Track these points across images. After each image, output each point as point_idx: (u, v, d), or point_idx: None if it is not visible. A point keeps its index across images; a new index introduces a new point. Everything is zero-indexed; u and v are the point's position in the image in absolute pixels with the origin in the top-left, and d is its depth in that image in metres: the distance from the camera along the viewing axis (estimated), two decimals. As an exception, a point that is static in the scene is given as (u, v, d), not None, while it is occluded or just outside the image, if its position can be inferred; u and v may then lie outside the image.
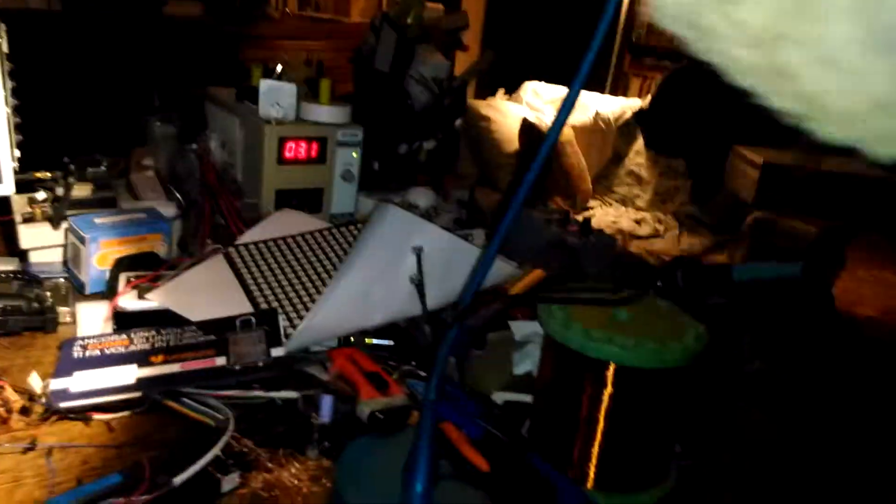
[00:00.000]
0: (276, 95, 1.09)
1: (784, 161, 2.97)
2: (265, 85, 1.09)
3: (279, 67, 1.16)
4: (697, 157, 3.31)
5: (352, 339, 0.88)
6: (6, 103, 0.89)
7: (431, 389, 0.62)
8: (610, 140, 3.41)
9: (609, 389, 0.68)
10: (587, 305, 0.74)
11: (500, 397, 0.82)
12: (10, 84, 0.89)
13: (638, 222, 3.14)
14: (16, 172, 0.92)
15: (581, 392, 0.69)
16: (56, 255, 0.98)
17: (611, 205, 3.31)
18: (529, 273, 0.92)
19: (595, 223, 3.00)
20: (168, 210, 1.04)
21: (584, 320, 0.68)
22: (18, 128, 0.91)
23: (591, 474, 0.69)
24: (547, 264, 0.94)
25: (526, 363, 0.84)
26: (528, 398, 0.79)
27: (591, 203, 3.25)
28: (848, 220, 2.73)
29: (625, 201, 3.34)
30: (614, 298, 0.70)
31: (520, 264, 0.95)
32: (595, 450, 0.69)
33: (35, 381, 0.72)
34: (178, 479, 0.60)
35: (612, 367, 0.66)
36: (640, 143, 3.39)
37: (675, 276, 0.95)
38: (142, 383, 0.73)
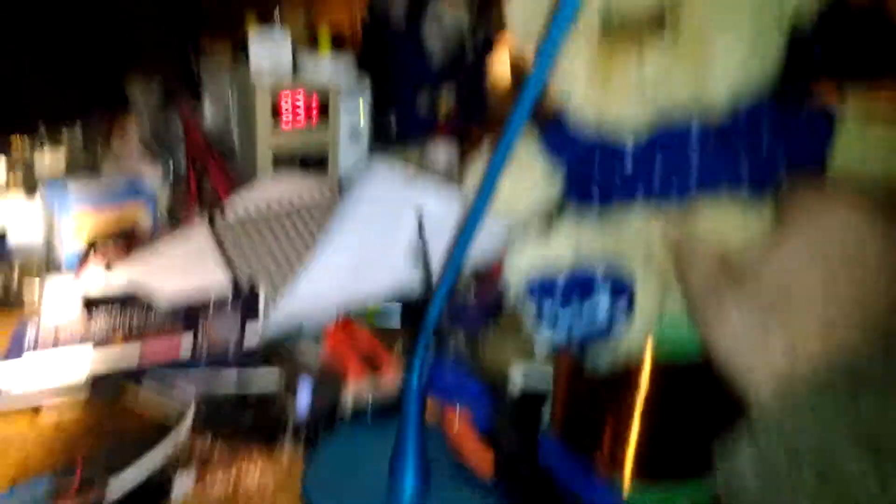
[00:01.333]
0: (269, 47, 0.98)
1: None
2: (257, 36, 0.98)
3: (276, 15, 1.05)
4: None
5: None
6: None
7: (413, 375, 0.51)
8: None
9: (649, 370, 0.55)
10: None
11: (519, 376, 0.70)
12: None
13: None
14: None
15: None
16: (36, 227, 0.90)
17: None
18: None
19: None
20: (154, 177, 0.95)
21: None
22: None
23: (627, 464, 0.57)
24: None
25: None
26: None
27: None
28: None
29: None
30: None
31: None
32: (632, 435, 0.56)
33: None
34: (116, 484, 0.51)
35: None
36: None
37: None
38: (98, 368, 0.64)
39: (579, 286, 0.47)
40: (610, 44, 0.45)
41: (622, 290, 0.47)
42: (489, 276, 0.82)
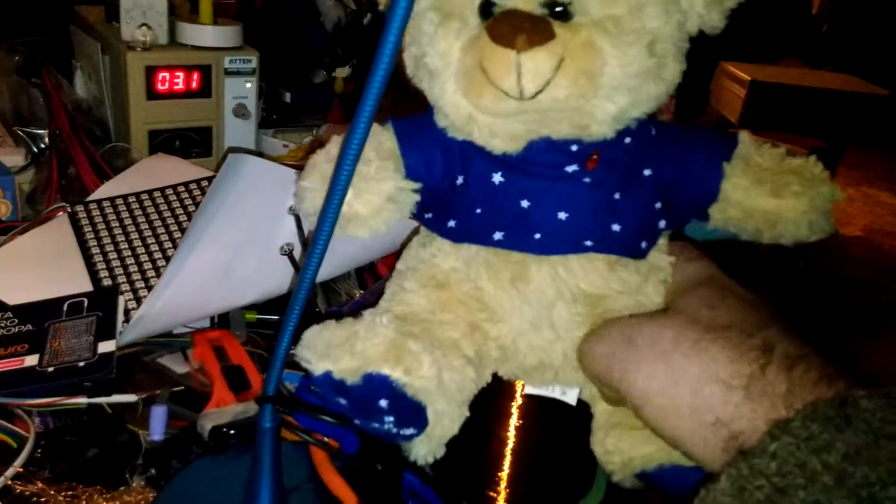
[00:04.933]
0: (143, 13, 0.89)
1: (771, 78, 2.76)
2: (128, 0, 0.88)
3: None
4: (683, 74, 3.09)
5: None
6: None
7: (266, 413, 0.47)
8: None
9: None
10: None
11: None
12: None
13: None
14: None
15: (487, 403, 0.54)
16: None
17: (587, 127, 3.11)
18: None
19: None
20: (14, 159, 0.86)
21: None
22: None
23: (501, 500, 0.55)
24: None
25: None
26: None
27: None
28: (836, 139, 2.56)
29: (602, 123, 3.13)
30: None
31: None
32: (505, 470, 0.54)
33: None
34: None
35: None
36: (619, 60, 3.16)
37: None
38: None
39: (364, 406, 0.42)
40: (492, 31, 0.38)
41: (409, 421, 0.42)
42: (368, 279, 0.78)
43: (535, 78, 0.37)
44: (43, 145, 0.88)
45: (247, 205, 0.66)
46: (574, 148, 0.42)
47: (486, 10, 0.41)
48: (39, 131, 0.88)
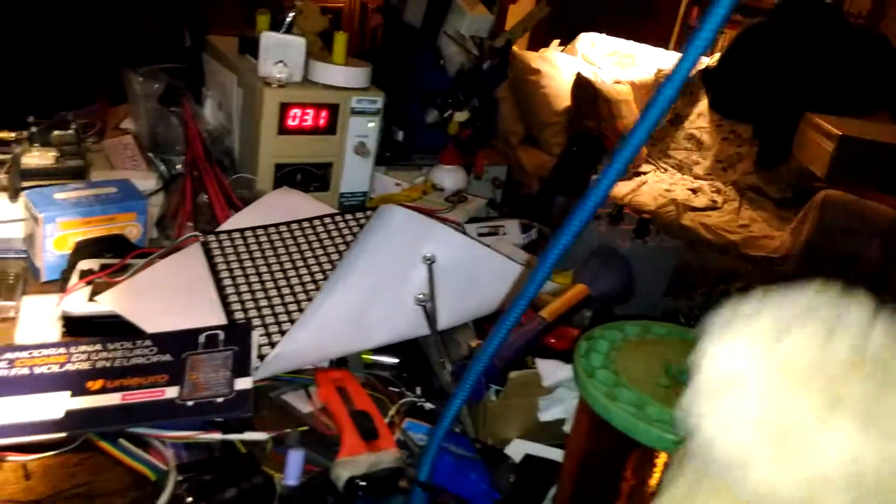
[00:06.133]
0: (281, 51, 0.91)
1: (863, 134, 2.68)
2: (267, 38, 0.91)
3: (290, 16, 0.98)
4: (765, 122, 3.02)
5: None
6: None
7: (418, 498, 0.46)
8: (670, 100, 3.14)
9: (657, 479, 0.51)
10: (639, 351, 0.56)
11: (519, 448, 0.66)
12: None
13: (694, 191, 2.89)
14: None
15: (620, 477, 0.52)
16: (18, 232, 0.85)
17: (665, 170, 3.06)
18: (571, 289, 0.75)
19: (647, 190, 2.77)
20: (147, 183, 0.89)
21: (637, 383, 0.51)
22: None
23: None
24: (592, 278, 0.76)
25: (555, 409, 0.67)
26: (556, 454, 0.63)
27: (644, 167, 3.01)
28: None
29: (681, 167, 3.08)
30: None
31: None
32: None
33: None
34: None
35: (663, 457, 0.49)
36: (703, 105, 3.11)
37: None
38: (72, 418, 0.59)
39: None
40: None
41: None
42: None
43: None
44: (174, 172, 0.91)
45: (389, 251, 0.67)
46: None
47: None
48: (173, 158, 0.91)
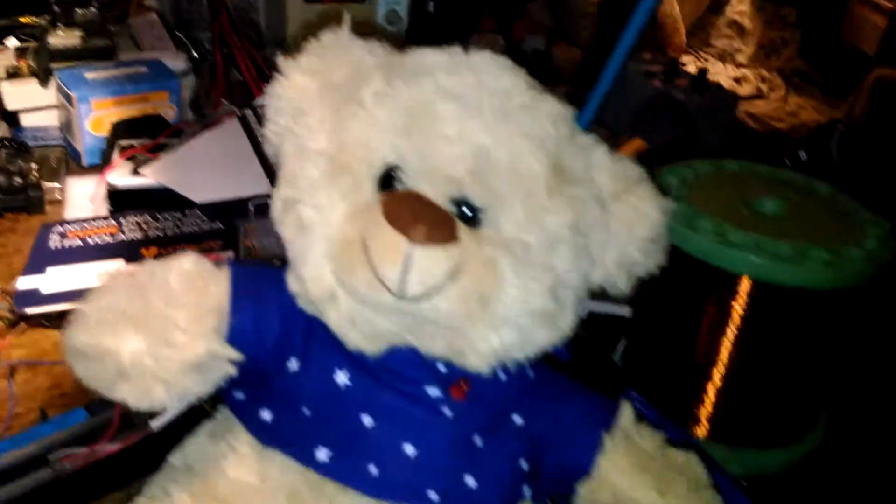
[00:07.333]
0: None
1: (920, 6, 2.51)
2: None
3: None
4: (810, 2, 2.85)
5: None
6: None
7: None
8: (709, -17, 2.97)
9: (740, 311, 0.48)
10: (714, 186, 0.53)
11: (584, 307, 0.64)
12: None
13: (738, 80, 2.77)
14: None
15: (700, 313, 0.50)
16: (54, 119, 0.83)
17: (707, 60, 2.92)
18: (626, 143, 0.71)
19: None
20: (176, 63, 0.85)
21: (715, 213, 0.48)
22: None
23: (705, 421, 0.51)
24: (648, 130, 0.72)
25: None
26: (624, 311, 0.61)
27: (685, 58, 2.88)
28: None
29: (723, 56, 2.93)
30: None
31: (613, 131, 0.73)
32: (711, 392, 0.51)
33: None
34: (158, 423, 0.46)
35: (746, 283, 0.46)
36: (744, -12, 2.94)
37: (828, 147, 0.72)
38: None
39: None
40: (388, 208, 0.31)
41: None
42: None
43: (424, 279, 0.30)
44: (203, 50, 0.87)
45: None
46: (442, 369, 0.34)
47: (386, 182, 0.33)
48: (199, 35, 0.87)
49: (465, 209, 0.33)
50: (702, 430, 0.51)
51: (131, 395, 0.32)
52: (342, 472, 0.33)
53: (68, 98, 0.75)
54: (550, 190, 0.33)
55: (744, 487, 0.45)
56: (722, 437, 0.51)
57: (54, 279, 0.57)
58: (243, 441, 0.35)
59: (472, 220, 0.33)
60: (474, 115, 0.33)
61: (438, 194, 0.32)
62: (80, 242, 0.61)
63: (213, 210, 0.65)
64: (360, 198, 0.33)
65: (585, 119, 0.42)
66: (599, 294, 0.61)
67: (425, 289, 0.31)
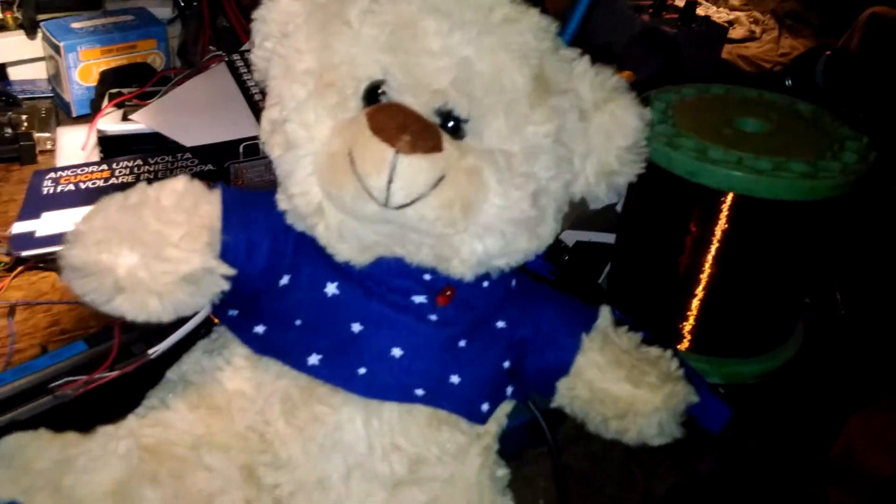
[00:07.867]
0: None
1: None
2: None
3: None
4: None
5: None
6: None
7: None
8: (702, -76, 2.92)
9: (723, 227, 0.49)
10: (699, 108, 0.54)
11: (570, 237, 0.65)
12: None
13: (730, 23, 2.74)
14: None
15: (684, 231, 0.51)
16: (42, 71, 0.83)
17: (700, 4, 2.89)
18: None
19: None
20: (163, 11, 0.85)
21: (698, 132, 0.49)
22: None
23: (687, 335, 0.53)
24: (637, 63, 0.72)
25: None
26: (610, 239, 0.62)
27: (678, 2, 2.85)
28: None
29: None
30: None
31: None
32: (694, 306, 0.52)
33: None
34: (155, 350, 0.47)
35: (729, 198, 0.47)
36: (737, -73, 2.89)
37: (814, 71, 0.72)
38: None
39: None
40: (373, 119, 0.32)
41: None
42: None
43: (409, 187, 0.31)
44: (189, -2, 0.87)
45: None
46: (427, 277, 0.36)
47: (371, 96, 0.34)
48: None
49: (449, 120, 0.34)
50: (683, 344, 0.52)
51: (128, 308, 0.33)
52: (333, 374, 0.35)
53: (56, 48, 0.75)
54: (532, 101, 0.34)
55: (721, 394, 0.47)
56: (702, 349, 0.52)
57: (49, 223, 0.58)
58: (238, 354, 0.37)
59: (456, 131, 0.34)
60: (457, 28, 0.33)
61: (423, 106, 0.33)
62: (72, 187, 0.62)
63: (204, 152, 0.65)
64: (347, 114, 0.34)
65: (568, 33, 0.43)
66: (586, 223, 0.63)
67: (410, 197, 0.31)
